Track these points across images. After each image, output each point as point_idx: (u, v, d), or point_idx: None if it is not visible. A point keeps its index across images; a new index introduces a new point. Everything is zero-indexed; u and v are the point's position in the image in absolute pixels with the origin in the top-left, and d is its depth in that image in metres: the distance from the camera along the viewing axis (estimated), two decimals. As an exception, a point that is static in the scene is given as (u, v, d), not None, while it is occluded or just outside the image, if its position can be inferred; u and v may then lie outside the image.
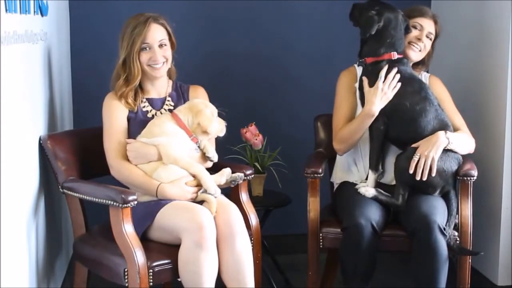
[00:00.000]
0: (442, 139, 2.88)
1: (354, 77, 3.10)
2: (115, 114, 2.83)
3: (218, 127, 2.82)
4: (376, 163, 2.98)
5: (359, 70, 3.09)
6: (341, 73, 3.15)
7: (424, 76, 3.17)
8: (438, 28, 3.12)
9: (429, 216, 2.76)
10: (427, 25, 3.08)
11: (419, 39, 3.06)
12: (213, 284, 2.56)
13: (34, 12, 2.62)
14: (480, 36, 3.49)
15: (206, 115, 2.77)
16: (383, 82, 2.90)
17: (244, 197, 2.94)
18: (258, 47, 3.90)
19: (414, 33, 3.06)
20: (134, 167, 2.75)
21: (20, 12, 2.35)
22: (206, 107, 2.80)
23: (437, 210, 2.82)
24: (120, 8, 3.66)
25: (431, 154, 2.85)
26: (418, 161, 2.85)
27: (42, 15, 2.76)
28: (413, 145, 2.89)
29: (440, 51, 3.93)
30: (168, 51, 2.86)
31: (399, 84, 2.91)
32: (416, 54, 3.08)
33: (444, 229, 2.77)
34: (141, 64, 2.82)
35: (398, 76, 2.90)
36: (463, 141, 2.98)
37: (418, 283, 2.80)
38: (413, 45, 3.06)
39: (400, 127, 2.94)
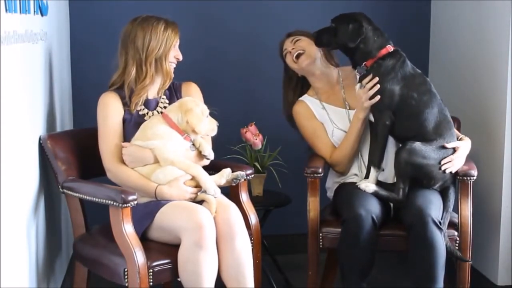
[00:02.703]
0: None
1: (305, 105, 3.19)
2: (110, 115, 2.81)
3: (209, 127, 2.81)
4: (379, 160, 2.97)
5: (307, 100, 3.20)
6: (293, 108, 3.22)
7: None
8: (296, 38, 3.22)
9: (424, 210, 2.77)
10: (288, 46, 3.22)
11: (296, 61, 3.18)
12: (212, 284, 2.56)
13: (34, 12, 2.62)
14: (480, 36, 3.49)
15: (195, 113, 2.76)
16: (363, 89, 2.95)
17: (244, 197, 2.94)
18: (258, 46, 3.90)
19: (288, 59, 3.22)
20: (131, 170, 2.75)
21: (20, 12, 2.35)
22: (196, 105, 2.79)
23: (433, 204, 2.83)
24: (120, 8, 3.66)
25: (464, 158, 2.98)
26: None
27: (42, 15, 2.76)
28: (448, 145, 2.93)
29: (440, 51, 3.94)
30: None
31: (378, 97, 2.91)
32: (299, 64, 3.18)
33: (440, 223, 2.77)
34: (168, 61, 2.86)
35: (377, 86, 2.91)
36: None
37: (416, 279, 2.79)
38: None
39: (407, 119, 2.94)
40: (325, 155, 3.13)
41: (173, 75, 2.90)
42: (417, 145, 2.89)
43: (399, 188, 2.91)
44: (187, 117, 2.74)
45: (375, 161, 2.98)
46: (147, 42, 2.80)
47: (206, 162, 2.85)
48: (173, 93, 2.95)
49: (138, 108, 2.85)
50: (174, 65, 2.90)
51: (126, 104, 2.84)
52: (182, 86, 2.98)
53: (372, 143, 3.03)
